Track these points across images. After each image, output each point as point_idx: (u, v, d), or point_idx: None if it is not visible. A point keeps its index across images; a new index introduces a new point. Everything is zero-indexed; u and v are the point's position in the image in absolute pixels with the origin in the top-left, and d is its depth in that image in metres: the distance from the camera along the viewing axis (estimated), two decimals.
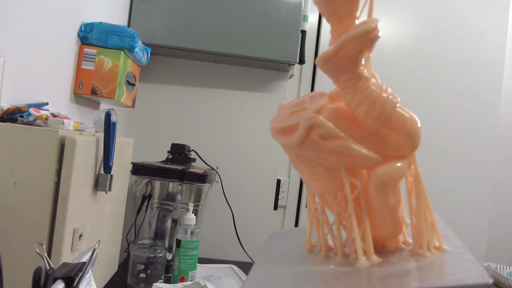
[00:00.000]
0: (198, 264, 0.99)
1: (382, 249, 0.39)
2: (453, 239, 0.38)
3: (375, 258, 0.36)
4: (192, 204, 1.00)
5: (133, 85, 1.03)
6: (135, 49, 0.94)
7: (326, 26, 1.68)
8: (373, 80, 0.37)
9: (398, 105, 0.36)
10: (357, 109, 0.36)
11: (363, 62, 0.36)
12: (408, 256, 0.37)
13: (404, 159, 0.36)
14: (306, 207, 0.40)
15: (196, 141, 1.33)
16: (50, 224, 0.57)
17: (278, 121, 0.40)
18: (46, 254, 0.42)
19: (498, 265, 1.56)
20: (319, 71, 1.68)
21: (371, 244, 0.36)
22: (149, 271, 0.91)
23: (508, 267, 1.54)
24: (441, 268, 0.34)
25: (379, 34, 0.35)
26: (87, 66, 0.90)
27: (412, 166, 0.38)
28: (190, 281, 0.91)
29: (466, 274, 0.31)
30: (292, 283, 0.36)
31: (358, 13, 0.38)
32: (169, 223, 1.11)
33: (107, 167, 0.71)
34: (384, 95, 0.36)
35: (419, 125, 0.36)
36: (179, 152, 1.19)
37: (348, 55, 0.35)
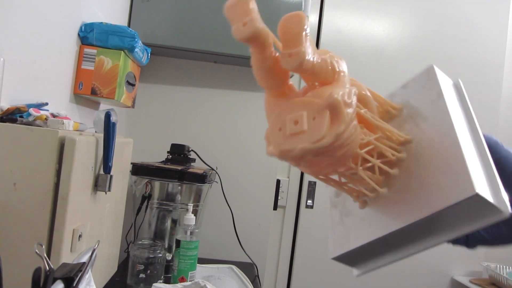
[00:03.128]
0: (197, 264, 0.99)
1: None
2: None
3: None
4: (192, 204, 1.00)
5: (133, 85, 1.03)
6: (135, 49, 0.94)
7: (326, 26, 1.68)
8: None
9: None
10: None
11: None
12: None
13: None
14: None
15: (195, 141, 1.33)
16: (50, 225, 0.57)
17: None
18: (45, 255, 0.42)
19: (498, 265, 1.56)
20: None
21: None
22: (148, 271, 0.91)
23: (508, 267, 1.55)
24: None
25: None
26: (87, 66, 0.90)
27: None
28: (189, 281, 0.91)
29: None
30: None
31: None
32: (168, 223, 1.11)
33: (107, 167, 0.71)
34: None
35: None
36: (178, 152, 1.19)
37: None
